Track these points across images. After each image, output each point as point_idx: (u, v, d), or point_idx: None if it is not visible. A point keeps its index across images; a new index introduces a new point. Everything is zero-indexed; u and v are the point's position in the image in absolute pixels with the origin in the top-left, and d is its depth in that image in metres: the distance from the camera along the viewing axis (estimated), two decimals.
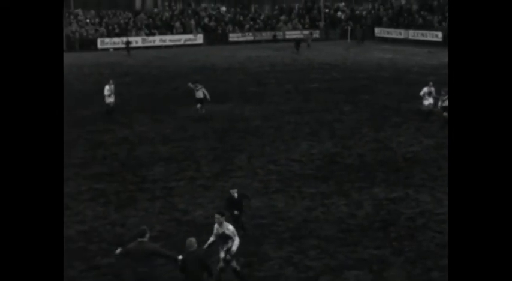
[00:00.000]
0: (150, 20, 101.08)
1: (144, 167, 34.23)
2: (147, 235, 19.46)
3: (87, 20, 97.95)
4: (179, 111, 46.62)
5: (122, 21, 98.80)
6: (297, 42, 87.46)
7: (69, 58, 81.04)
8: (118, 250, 19.29)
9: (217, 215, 20.59)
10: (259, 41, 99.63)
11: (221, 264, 20.59)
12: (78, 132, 42.03)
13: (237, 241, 20.37)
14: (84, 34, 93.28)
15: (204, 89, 44.82)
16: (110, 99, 45.49)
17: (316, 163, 34.50)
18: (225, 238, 20.50)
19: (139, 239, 19.20)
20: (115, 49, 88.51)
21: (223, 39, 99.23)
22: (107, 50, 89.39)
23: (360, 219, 26.54)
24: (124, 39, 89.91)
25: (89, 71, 70.86)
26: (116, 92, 46.81)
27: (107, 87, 45.35)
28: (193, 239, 19.03)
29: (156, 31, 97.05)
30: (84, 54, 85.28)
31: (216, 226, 20.62)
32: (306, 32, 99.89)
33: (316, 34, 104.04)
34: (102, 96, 46.02)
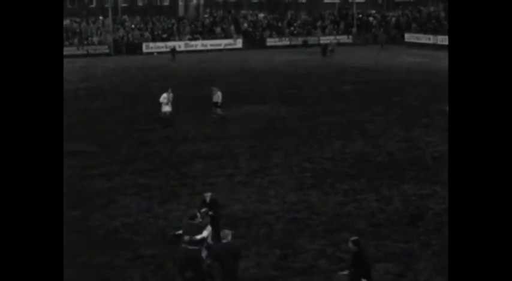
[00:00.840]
0: (193, 25, 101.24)
1: (185, 164, 34.31)
2: (197, 219, 19.73)
3: (133, 26, 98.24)
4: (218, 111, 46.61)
5: (166, 27, 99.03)
6: (324, 48, 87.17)
7: (117, 61, 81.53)
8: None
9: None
10: (294, 46, 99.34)
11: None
12: (123, 131, 42.21)
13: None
14: (131, 39, 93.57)
15: (220, 93, 44.56)
16: (167, 108, 42.82)
17: (348, 161, 34.43)
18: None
19: (190, 221, 19.64)
20: (159, 53, 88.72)
21: (261, 44, 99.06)
22: (151, 54, 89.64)
23: (390, 214, 26.46)
24: (168, 44, 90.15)
25: (135, 73, 71.03)
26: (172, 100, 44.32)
27: (164, 95, 42.87)
28: (228, 231, 19.07)
29: (198, 36, 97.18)
30: (130, 58, 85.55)
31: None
32: (331, 37, 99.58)
33: (349, 39, 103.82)
34: (149, 99, 46.20)
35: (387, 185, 30.17)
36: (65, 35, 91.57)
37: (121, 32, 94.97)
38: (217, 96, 44.22)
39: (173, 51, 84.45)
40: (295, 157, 35.20)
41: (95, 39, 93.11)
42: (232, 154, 36.28)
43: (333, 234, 24.40)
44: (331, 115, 46.34)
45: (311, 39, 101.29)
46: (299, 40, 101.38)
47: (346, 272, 18.54)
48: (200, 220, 20.35)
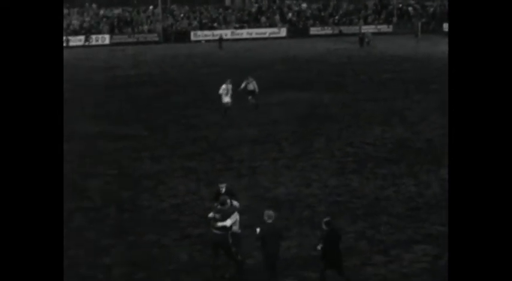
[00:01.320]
0: (239, 15, 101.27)
1: (231, 148, 34.38)
2: (227, 205, 19.71)
3: (182, 15, 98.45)
4: (263, 97, 46.53)
5: (213, 16, 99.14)
6: (361, 37, 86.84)
7: (165, 49, 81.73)
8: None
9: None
10: (337, 35, 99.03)
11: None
12: (172, 116, 42.36)
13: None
14: (179, 27, 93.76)
15: (254, 83, 44.17)
16: (227, 99, 41.25)
17: (388, 146, 34.30)
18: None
19: (220, 207, 19.81)
20: (206, 41, 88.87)
21: (305, 33, 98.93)
22: (199, 41, 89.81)
23: (428, 198, 26.34)
24: (215, 32, 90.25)
25: (183, 60, 71.22)
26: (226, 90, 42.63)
27: (223, 87, 41.35)
28: (271, 212, 19.10)
29: (244, 25, 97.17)
30: (179, 46, 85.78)
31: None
32: (371, 27, 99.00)
33: (390, 28, 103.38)
34: (196, 85, 46.32)
35: (425, 170, 30.02)
36: (116, 23, 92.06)
37: (170, 21, 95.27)
38: (253, 86, 44.07)
39: (220, 39, 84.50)
40: (337, 142, 35.14)
41: (145, 27, 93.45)
42: (276, 138, 36.28)
43: (373, 217, 24.35)
44: (372, 102, 46.21)
45: (352, 29, 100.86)
46: (341, 29, 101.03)
47: (319, 247, 19.04)
48: (229, 206, 20.32)
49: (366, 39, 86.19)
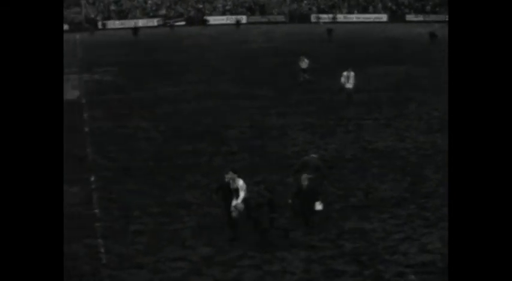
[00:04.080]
0: (351, 1, 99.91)
1: (341, 109, 34.25)
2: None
3: (305, 1, 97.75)
4: (367, 69, 45.83)
5: (329, 2, 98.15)
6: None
7: (290, 28, 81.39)
8: None
9: (230, 173, 18.47)
10: (428, 21, 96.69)
11: (234, 213, 18.23)
12: (294, 81, 42.20)
13: (242, 195, 18.10)
14: (302, 11, 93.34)
15: (307, 60, 42.43)
16: (349, 85, 35.33)
17: None
18: (236, 191, 18.30)
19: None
20: (324, 23, 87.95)
21: (402, 18, 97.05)
22: (317, 23, 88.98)
23: None
24: (330, 15, 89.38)
25: (304, 37, 70.69)
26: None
27: (344, 74, 35.46)
28: (305, 175, 18.61)
29: (354, 10, 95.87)
30: (301, 25, 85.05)
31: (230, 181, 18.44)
32: None
33: None
34: (316, 56, 46.07)
35: None
36: (252, 6, 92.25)
37: (295, 5, 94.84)
38: (305, 63, 42.57)
39: (333, 20, 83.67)
40: (425, 107, 34.57)
41: (274, 10, 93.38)
42: (377, 102, 35.93)
43: None
44: None
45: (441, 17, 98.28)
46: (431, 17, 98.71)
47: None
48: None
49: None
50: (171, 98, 38.68)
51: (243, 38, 71.18)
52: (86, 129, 31.60)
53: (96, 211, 20.74)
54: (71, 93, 42.00)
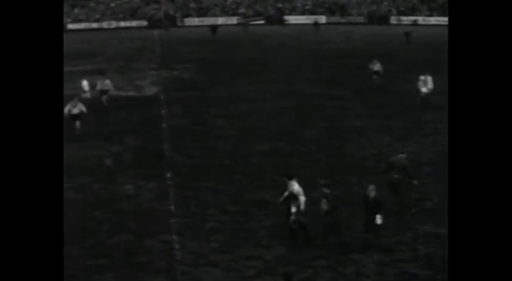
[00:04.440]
0: (431, 4, 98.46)
1: (419, 113, 33.48)
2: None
3: (386, 3, 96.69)
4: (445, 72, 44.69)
5: (408, 4, 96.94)
6: None
7: (370, 29, 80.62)
8: None
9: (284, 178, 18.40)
10: None
11: (292, 217, 17.93)
12: (373, 83, 41.60)
13: (302, 200, 17.79)
14: (381, 12, 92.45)
15: (379, 64, 41.28)
16: (425, 90, 34.33)
17: None
18: (294, 197, 17.96)
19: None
20: (404, 25, 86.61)
21: None
22: (398, 25, 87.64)
23: None
24: (410, 18, 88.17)
25: (384, 39, 69.88)
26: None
27: (421, 78, 34.51)
28: (372, 186, 18.01)
29: (434, 13, 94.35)
30: (381, 27, 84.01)
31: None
32: None
33: None
34: (398, 58, 45.38)
35: None
36: (332, 7, 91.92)
37: (374, 6, 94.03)
38: (378, 67, 41.42)
39: (414, 24, 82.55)
40: None
41: (354, 11, 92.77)
42: None
43: None
44: None
45: None
46: None
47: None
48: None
49: None
50: (249, 96, 38.76)
51: (322, 38, 70.85)
52: (164, 125, 31.95)
53: (172, 207, 20.95)
54: (149, 89, 42.60)
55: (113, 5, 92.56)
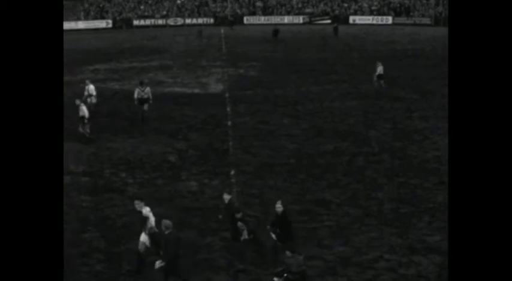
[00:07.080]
0: None
1: None
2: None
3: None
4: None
5: None
6: None
7: (436, 31, 79.64)
8: None
9: (136, 201, 16.78)
10: None
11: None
12: (439, 84, 41.01)
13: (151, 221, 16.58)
14: (447, 14, 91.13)
15: (382, 67, 40.36)
16: None
17: None
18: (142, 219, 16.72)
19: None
20: None
21: None
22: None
23: None
24: None
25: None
26: None
27: None
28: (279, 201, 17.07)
29: None
30: (445, 29, 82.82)
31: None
32: None
33: None
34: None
35: None
36: (398, 7, 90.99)
37: (440, 8, 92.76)
38: (380, 69, 40.46)
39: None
40: None
41: (420, 12, 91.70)
42: None
43: None
44: None
45: None
46: None
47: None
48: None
49: None
50: (314, 96, 38.65)
51: (388, 38, 70.22)
52: (229, 123, 32.10)
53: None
54: (214, 86, 42.85)
55: (179, 1, 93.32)
